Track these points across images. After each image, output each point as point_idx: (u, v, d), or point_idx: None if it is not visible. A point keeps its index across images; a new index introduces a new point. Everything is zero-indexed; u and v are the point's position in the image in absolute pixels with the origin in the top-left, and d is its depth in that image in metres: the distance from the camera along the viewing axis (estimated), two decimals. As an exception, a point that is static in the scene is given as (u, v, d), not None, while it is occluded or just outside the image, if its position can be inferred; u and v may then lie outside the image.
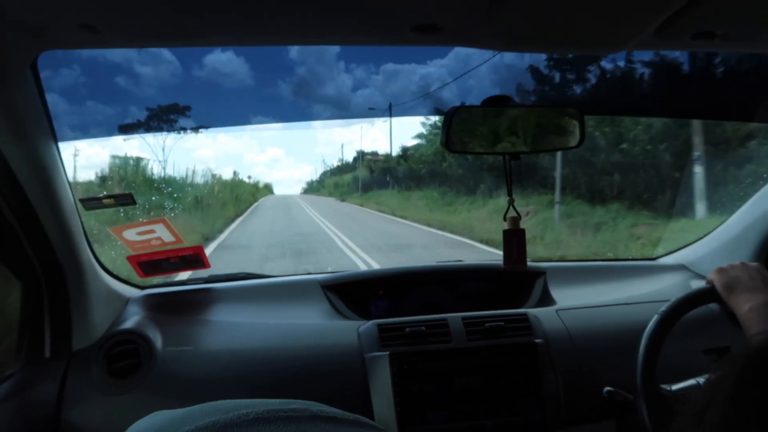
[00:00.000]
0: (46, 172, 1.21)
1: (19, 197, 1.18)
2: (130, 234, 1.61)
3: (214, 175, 26.09)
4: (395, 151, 34.13)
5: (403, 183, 27.17)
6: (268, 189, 57.18)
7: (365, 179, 36.85)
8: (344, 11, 0.91)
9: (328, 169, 68.18)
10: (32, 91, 1.12)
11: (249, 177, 41.78)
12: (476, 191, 18.48)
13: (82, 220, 1.40)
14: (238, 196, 25.67)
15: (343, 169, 57.42)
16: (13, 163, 1.12)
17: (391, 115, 29.95)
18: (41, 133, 1.18)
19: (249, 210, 25.93)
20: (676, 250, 2.11)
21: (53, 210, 1.26)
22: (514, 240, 1.34)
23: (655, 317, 1.24)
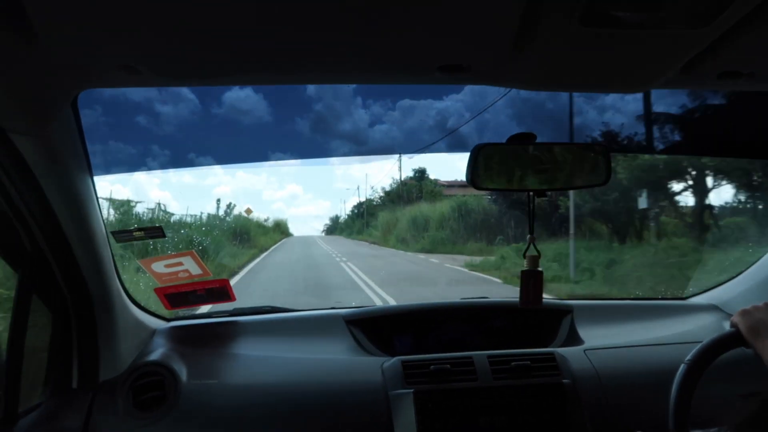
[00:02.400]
0: (80, 205, 1.25)
1: (53, 228, 1.22)
2: (159, 266, 1.64)
3: (163, 208, 15.96)
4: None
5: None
6: (280, 229, 35.53)
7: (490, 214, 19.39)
8: (377, 52, 0.93)
9: (376, 197, 42.00)
10: (72, 127, 1.17)
11: (247, 210, 24.64)
12: None
13: (112, 252, 1.43)
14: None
15: (401, 196, 33.00)
16: (50, 196, 1.17)
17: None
18: (78, 167, 1.22)
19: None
20: (708, 290, 2.06)
21: (86, 242, 1.30)
22: (531, 281, 1.34)
23: (682, 366, 1.20)
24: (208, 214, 20.56)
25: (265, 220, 33.27)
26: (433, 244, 19.85)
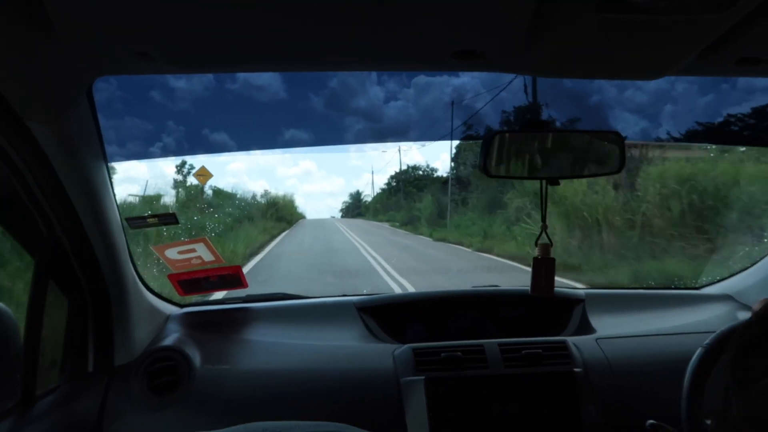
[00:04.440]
0: (95, 192, 1.26)
1: (69, 215, 1.23)
2: (172, 253, 1.65)
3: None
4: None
5: None
6: (278, 214, 24.95)
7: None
8: (390, 39, 0.93)
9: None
10: (87, 114, 1.18)
11: (201, 173, 16.41)
12: None
13: (127, 238, 1.45)
14: None
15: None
16: (66, 183, 1.18)
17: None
18: (93, 154, 1.23)
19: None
20: (722, 280, 2.04)
21: (101, 228, 1.31)
22: (543, 268, 1.34)
23: (699, 350, 1.20)
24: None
25: (260, 197, 24.10)
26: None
